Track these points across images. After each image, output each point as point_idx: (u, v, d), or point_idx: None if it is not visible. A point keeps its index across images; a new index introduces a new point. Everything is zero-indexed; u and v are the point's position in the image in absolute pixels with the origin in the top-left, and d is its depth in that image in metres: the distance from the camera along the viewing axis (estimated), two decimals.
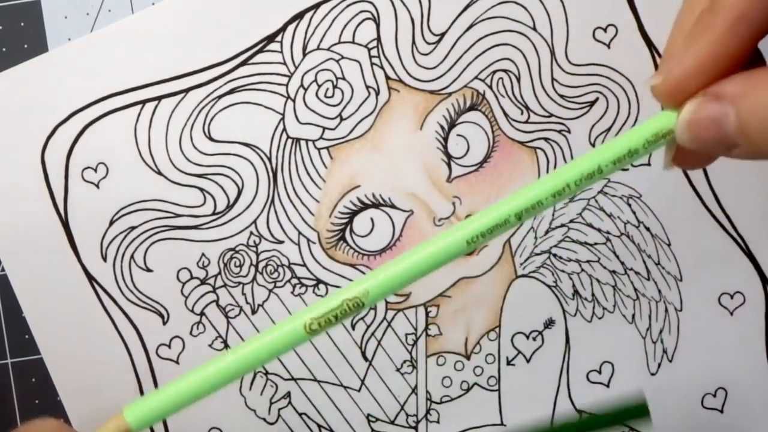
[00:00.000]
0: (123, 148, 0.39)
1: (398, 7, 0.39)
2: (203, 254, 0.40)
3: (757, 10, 0.24)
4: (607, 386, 0.41)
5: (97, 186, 0.40)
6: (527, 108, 0.40)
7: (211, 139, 0.39)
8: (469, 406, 0.41)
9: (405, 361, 0.41)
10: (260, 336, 0.25)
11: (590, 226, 0.40)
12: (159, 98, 0.39)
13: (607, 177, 0.26)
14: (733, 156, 0.25)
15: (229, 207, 0.40)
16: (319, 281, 0.40)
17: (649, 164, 0.40)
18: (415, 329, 0.41)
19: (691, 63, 0.25)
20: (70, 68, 0.39)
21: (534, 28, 0.39)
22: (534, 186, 0.25)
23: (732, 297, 0.41)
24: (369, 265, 0.40)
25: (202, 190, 0.40)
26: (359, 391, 0.41)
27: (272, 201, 0.40)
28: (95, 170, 0.39)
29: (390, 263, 0.26)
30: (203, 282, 0.40)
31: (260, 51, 0.39)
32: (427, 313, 0.41)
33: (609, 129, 0.40)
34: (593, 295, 0.41)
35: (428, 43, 0.39)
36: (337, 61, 0.39)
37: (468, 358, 0.41)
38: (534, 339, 0.41)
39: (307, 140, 0.40)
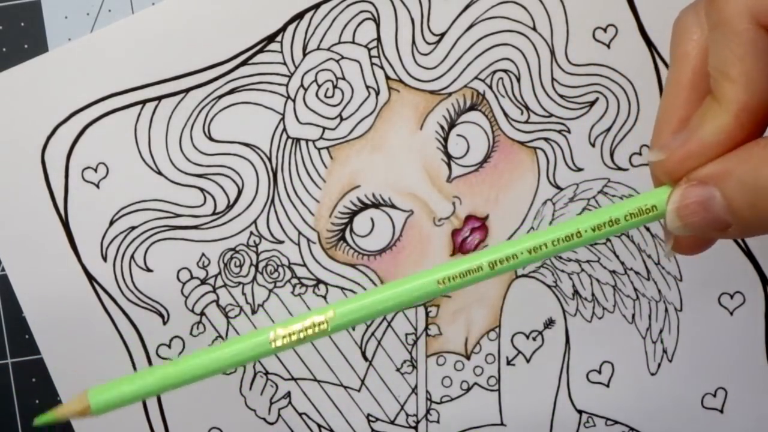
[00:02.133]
0: (123, 148, 0.39)
1: (398, 7, 0.39)
2: (203, 254, 0.40)
3: (761, 102, 0.24)
4: (607, 386, 0.41)
5: (97, 186, 0.40)
6: (527, 108, 0.40)
7: (211, 139, 0.39)
8: (469, 406, 0.41)
9: (405, 361, 0.41)
10: (233, 341, 0.26)
11: None
12: (159, 98, 0.39)
13: (587, 243, 0.27)
14: (729, 236, 0.25)
15: (229, 207, 0.40)
16: (319, 281, 0.40)
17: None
18: (415, 329, 0.41)
19: (696, 147, 0.25)
20: (70, 68, 0.39)
21: (534, 28, 0.39)
22: (512, 243, 0.26)
23: (732, 297, 0.41)
24: (369, 265, 0.40)
25: (202, 190, 0.40)
26: (359, 391, 0.41)
27: (272, 201, 0.40)
28: (95, 170, 0.39)
29: (360, 295, 0.26)
30: (203, 282, 0.40)
31: (260, 51, 0.39)
32: (427, 313, 0.41)
33: (609, 129, 0.40)
34: (593, 295, 0.41)
35: (428, 43, 0.39)
36: (337, 61, 0.39)
37: (468, 358, 0.41)
38: (534, 339, 0.41)
39: (307, 140, 0.40)
